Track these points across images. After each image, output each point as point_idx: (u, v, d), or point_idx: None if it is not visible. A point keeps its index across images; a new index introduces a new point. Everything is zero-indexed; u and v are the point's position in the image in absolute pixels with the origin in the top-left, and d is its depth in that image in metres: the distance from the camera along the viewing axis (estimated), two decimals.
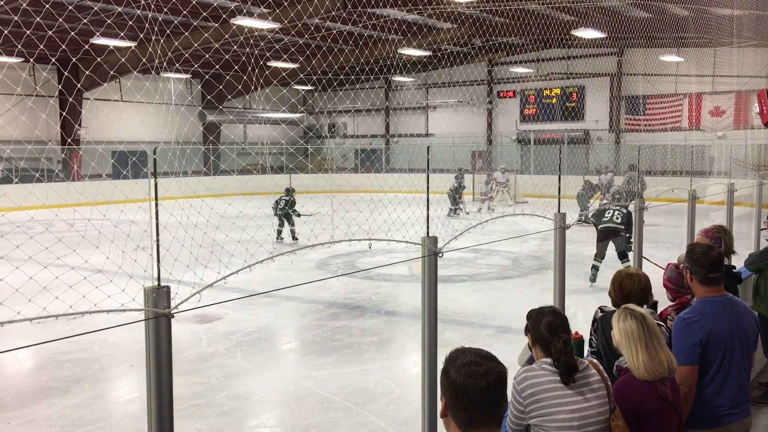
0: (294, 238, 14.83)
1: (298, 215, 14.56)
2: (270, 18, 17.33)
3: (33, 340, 6.51)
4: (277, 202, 15.13)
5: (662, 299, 4.48)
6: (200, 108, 30.92)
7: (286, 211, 14.97)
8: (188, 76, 30.49)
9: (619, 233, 10.26)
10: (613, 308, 3.62)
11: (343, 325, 8.36)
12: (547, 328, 2.73)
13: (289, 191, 15.30)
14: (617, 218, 10.30)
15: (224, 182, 23.95)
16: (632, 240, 8.82)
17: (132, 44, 17.41)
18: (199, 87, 32.49)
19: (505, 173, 23.75)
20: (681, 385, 3.20)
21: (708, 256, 3.38)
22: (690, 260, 3.43)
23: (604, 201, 20.04)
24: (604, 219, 10.37)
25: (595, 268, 10.23)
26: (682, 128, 27.58)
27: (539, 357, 2.75)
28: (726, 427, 3.34)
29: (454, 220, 19.38)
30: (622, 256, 10.25)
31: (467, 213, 21.23)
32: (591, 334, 3.75)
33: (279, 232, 15.02)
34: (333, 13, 17.81)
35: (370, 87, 35.80)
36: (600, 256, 10.36)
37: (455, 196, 21.19)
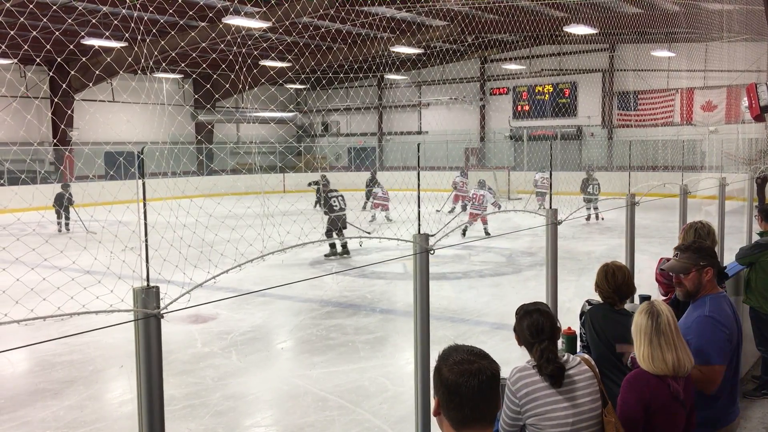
0: (66, 228, 17.28)
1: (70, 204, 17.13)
2: (257, 16, 17.27)
3: (25, 342, 6.48)
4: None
5: (654, 294, 4.48)
6: (187, 107, 30.81)
7: (63, 203, 17.24)
8: (179, 76, 30.39)
9: None
10: (599, 301, 3.62)
11: (337, 323, 8.35)
12: (529, 331, 2.68)
13: (66, 186, 17.64)
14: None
15: (213, 182, 23.88)
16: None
17: (118, 44, 17.36)
18: (187, 87, 32.35)
19: (490, 190, 23.27)
20: (712, 384, 3.16)
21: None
22: (708, 257, 3.37)
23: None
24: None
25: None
26: (674, 123, 27.66)
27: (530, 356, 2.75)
28: (732, 425, 3.36)
29: (447, 218, 19.33)
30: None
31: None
32: (580, 328, 3.74)
33: (65, 224, 17.47)
34: (321, 11, 17.77)
35: (359, 85, 35.74)
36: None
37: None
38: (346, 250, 13.21)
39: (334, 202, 13.12)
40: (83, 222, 15.58)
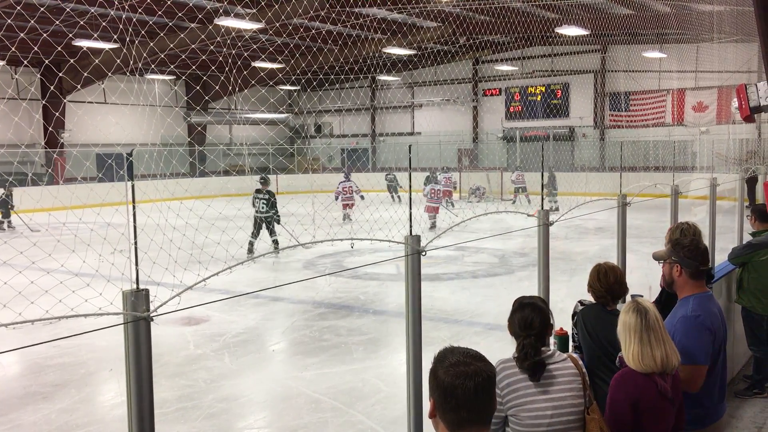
0: (8, 227, 18.12)
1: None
2: (248, 17, 17.24)
3: (15, 345, 6.43)
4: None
5: (646, 294, 4.49)
6: (177, 109, 30.70)
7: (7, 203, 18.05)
8: (170, 77, 30.29)
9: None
10: (591, 301, 3.62)
11: (330, 324, 8.34)
12: (519, 324, 2.75)
13: (6, 186, 18.36)
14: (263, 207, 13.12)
15: (203, 183, 23.80)
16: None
17: (108, 46, 17.27)
18: (177, 88, 32.22)
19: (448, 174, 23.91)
20: (695, 384, 3.15)
21: (699, 249, 3.33)
22: (679, 254, 3.33)
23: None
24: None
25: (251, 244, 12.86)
26: (665, 124, 27.78)
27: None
28: (720, 422, 3.37)
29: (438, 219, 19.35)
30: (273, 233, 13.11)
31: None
32: (572, 329, 3.74)
33: (7, 224, 18.29)
34: (312, 12, 17.76)
35: (350, 87, 35.73)
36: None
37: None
38: (276, 249, 13.55)
39: (255, 203, 13.48)
40: (26, 224, 15.69)
